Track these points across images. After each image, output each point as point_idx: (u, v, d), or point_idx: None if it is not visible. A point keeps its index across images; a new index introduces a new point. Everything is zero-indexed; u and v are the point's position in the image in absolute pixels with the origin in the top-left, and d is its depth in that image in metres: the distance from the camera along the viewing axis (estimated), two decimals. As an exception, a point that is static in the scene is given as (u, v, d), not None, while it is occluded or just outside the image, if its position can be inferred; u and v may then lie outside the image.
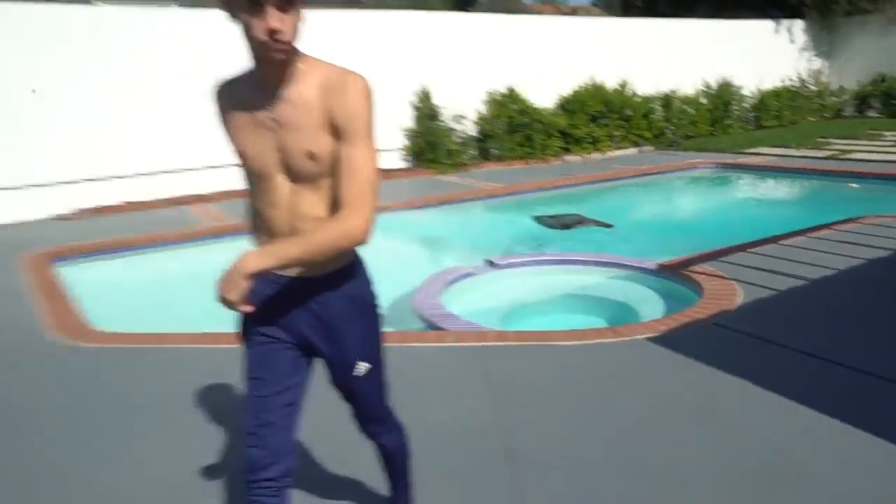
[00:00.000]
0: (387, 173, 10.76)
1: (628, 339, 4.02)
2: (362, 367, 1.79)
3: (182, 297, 6.23)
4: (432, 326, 4.55)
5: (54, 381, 3.97)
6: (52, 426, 3.42)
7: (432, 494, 2.51)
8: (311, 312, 1.71)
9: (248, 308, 1.54)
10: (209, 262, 7.00)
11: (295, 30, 1.45)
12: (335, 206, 1.56)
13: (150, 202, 9.18)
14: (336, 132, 1.51)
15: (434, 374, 3.71)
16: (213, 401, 3.46)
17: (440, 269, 5.83)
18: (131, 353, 4.27)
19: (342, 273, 1.70)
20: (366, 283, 1.84)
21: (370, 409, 1.97)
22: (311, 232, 1.55)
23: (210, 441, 3.07)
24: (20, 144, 8.48)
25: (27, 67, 8.45)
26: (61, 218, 8.65)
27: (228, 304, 1.49)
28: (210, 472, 2.79)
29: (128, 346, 4.40)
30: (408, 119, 11.16)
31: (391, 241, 7.94)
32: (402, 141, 11.21)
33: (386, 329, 4.71)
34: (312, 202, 1.60)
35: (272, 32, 1.37)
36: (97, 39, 8.85)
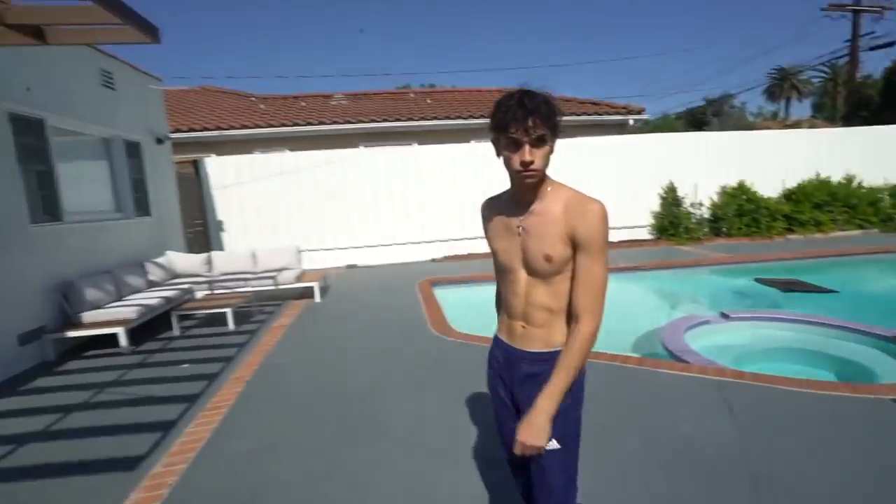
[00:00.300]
0: (638, 243, 10.03)
1: (869, 396, 3.01)
2: (552, 444, 1.39)
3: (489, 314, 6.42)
4: (676, 358, 4.02)
5: (431, 357, 4.30)
6: (420, 383, 3.68)
7: (680, 494, 2.17)
8: (523, 378, 1.48)
9: (555, 445, 1.37)
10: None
11: (544, 160, 1.31)
12: (569, 305, 1.37)
13: (481, 254, 9.73)
14: (575, 245, 1.32)
15: (680, 395, 3.22)
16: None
17: (679, 315, 5.16)
18: (474, 348, 4.42)
19: (557, 354, 1.39)
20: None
21: (551, 490, 1.44)
22: (563, 357, 1.33)
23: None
24: (420, 222, 9.76)
25: (416, 181, 9.79)
26: (434, 260, 9.65)
27: (537, 449, 1.33)
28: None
29: (472, 343, 4.57)
30: (655, 205, 10.29)
31: (642, 290, 7.32)
32: (650, 220, 10.36)
33: (638, 354, 4.26)
34: (543, 293, 1.40)
35: (525, 164, 1.29)
36: (463, 162, 9.85)
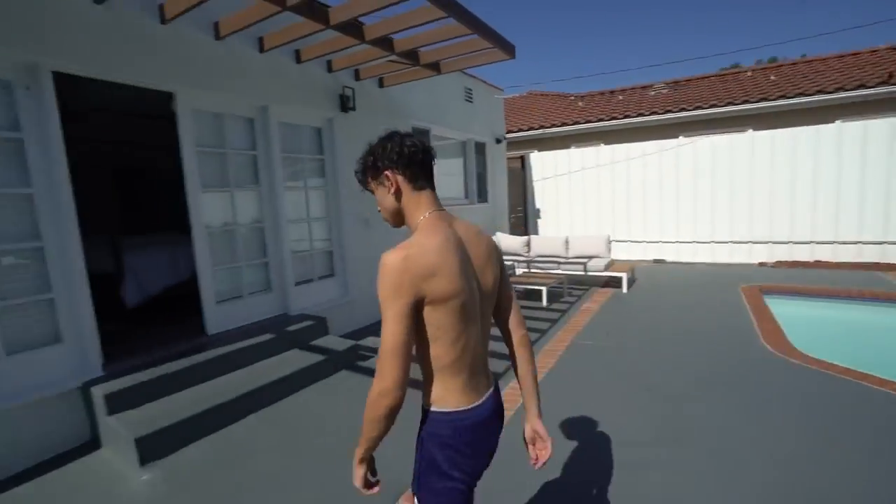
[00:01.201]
0: None
1: None
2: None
3: (857, 343, 4.77)
4: None
5: (766, 377, 3.46)
6: (749, 405, 2.98)
7: None
8: None
9: (374, 491, 1.26)
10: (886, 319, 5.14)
11: (384, 209, 1.32)
12: (425, 363, 1.24)
13: (836, 263, 7.41)
14: None
15: None
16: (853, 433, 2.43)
17: None
18: (834, 381, 3.36)
19: (425, 414, 1.25)
20: (430, 423, 1.23)
21: None
22: None
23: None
24: (746, 218, 8.11)
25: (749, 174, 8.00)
26: (763, 265, 7.86)
27: (357, 491, 1.25)
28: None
29: (829, 372, 3.46)
30: None
31: None
32: None
33: None
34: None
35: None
36: (816, 148, 7.58)
